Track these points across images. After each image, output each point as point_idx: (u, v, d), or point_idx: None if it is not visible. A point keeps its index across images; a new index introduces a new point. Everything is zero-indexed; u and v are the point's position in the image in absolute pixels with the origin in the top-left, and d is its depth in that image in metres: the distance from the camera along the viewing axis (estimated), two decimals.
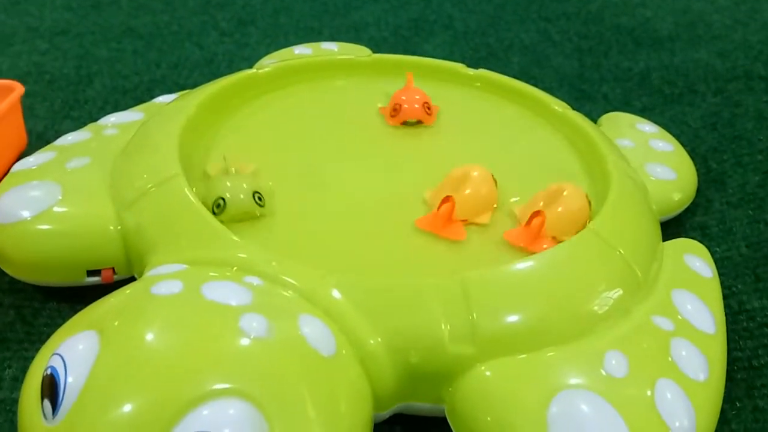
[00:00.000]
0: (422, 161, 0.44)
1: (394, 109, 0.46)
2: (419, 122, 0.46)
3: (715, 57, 0.67)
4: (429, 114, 0.46)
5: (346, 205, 0.40)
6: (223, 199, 0.37)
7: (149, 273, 0.33)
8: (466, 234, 0.37)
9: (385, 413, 0.32)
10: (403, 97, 0.46)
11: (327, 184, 0.41)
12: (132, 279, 0.37)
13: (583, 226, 0.37)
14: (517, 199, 0.40)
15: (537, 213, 0.37)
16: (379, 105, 0.48)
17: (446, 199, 0.37)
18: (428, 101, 0.47)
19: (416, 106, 0.46)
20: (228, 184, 0.37)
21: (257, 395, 0.26)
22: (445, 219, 0.37)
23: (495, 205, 0.40)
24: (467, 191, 0.38)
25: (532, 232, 0.37)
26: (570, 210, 0.38)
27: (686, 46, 0.70)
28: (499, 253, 0.37)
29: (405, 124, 0.46)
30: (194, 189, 0.37)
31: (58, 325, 0.31)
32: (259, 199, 0.37)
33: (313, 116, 0.47)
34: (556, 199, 0.38)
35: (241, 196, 0.37)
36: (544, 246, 0.36)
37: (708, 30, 0.72)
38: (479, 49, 0.70)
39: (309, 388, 0.27)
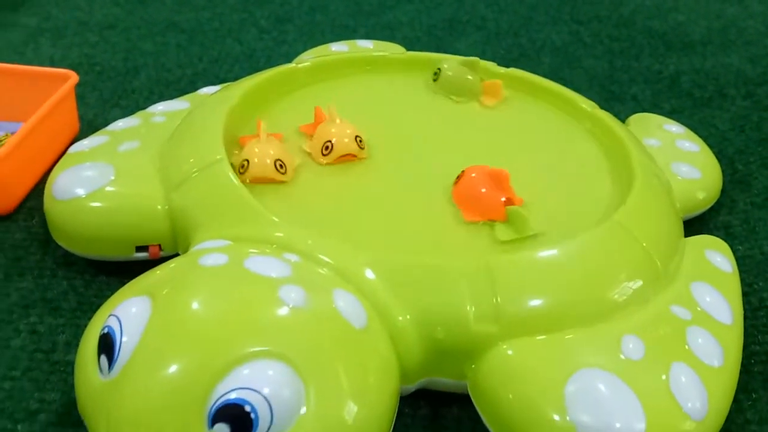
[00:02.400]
0: (451, 152, 0.45)
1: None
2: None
3: (746, 62, 0.67)
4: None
5: (382, 189, 0.41)
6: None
7: (196, 247, 0.35)
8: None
9: (411, 387, 0.34)
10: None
11: (363, 170, 0.43)
12: (177, 256, 0.40)
13: None
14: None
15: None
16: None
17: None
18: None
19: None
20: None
21: (295, 358, 0.28)
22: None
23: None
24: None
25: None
26: None
27: (718, 50, 0.70)
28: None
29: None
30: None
31: (107, 297, 0.33)
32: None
33: (349, 109, 0.49)
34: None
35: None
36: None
37: (740, 35, 0.73)
38: (511, 50, 0.71)
39: (342, 356, 0.29)
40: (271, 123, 0.46)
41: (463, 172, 0.41)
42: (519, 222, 0.37)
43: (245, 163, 0.40)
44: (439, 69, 0.51)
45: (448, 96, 0.51)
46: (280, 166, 0.40)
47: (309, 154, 0.43)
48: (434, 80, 0.51)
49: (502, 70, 0.53)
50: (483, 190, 0.39)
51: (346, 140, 0.43)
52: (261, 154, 0.40)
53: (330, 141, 0.42)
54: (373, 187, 0.42)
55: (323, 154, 0.43)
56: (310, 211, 0.39)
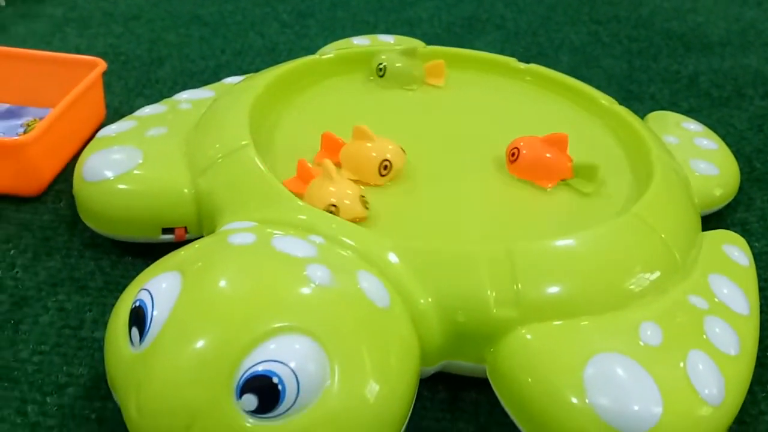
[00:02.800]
0: (474, 146, 0.46)
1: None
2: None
3: (764, 62, 0.68)
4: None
5: (403, 175, 0.42)
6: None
7: (225, 227, 0.36)
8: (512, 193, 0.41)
9: (431, 369, 0.35)
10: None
11: (408, 173, 0.43)
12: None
13: None
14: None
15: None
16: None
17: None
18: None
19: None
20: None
21: (321, 334, 0.28)
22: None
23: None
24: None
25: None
26: None
27: (736, 51, 0.70)
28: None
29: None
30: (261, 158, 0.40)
31: (133, 277, 0.34)
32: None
33: (371, 99, 0.50)
34: None
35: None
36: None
37: (759, 37, 0.73)
38: (530, 48, 0.72)
39: (366, 334, 0.30)
40: (293, 119, 0.47)
41: (516, 148, 0.42)
42: (588, 171, 0.41)
43: (333, 208, 0.37)
44: (382, 65, 0.50)
45: (401, 87, 0.51)
46: (366, 202, 0.38)
47: (357, 180, 0.40)
48: (380, 76, 0.51)
49: (523, 65, 0.54)
50: (548, 155, 0.42)
51: (391, 156, 0.41)
52: (343, 195, 0.37)
53: (387, 160, 0.40)
54: (426, 184, 0.42)
55: (382, 174, 0.41)
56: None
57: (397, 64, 0.50)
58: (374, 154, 0.41)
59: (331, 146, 0.42)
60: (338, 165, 0.41)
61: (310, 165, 0.39)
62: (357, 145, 0.42)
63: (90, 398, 0.35)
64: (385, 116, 0.48)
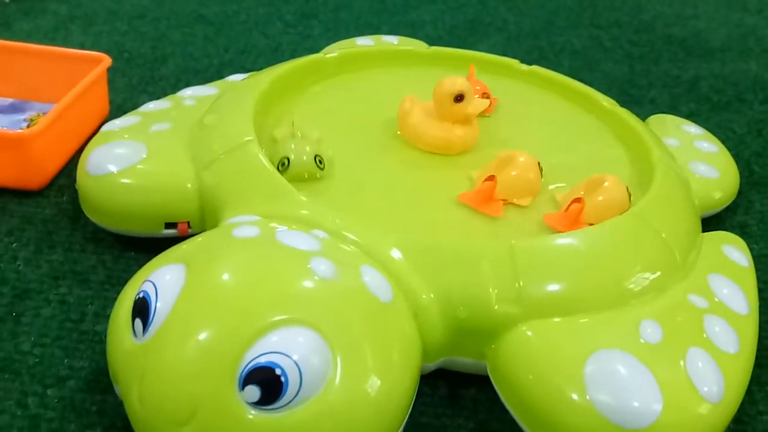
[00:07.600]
0: (475, 146, 0.46)
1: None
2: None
3: (764, 68, 0.68)
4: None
5: (399, 177, 0.43)
6: (288, 159, 0.40)
7: (228, 221, 0.36)
8: (505, 212, 0.40)
9: (432, 365, 0.35)
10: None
11: (383, 159, 0.44)
12: None
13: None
14: (563, 185, 0.43)
15: (577, 200, 0.39)
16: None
17: (489, 178, 0.40)
18: (488, 91, 0.48)
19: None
20: (293, 146, 0.40)
21: (324, 327, 0.29)
22: (485, 196, 0.39)
23: (538, 190, 0.42)
24: (512, 173, 0.40)
25: (570, 218, 0.39)
26: (609, 200, 0.39)
27: (736, 57, 0.71)
28: (535, 233, 0.39)
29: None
30: (266, 153, 0.40)
31: (135, 271, 0.34)
32: (320, 162, 0.40)
33: (374, 100, 0.50)
34: (596, 189, 0.39)
35: (304, 158, 0.40)
36: None
37: (759, 43, 0.74)
38: (531, 51, 0.72)
39: (368, 328, 0.30)
40: (296, 115, 0.47)
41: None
42: None
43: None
44: None
45: None
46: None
47: None
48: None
49: (525, 67, 0.54)
50: None
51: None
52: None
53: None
54: (393, 176, 0.42)
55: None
56: (335, 193, 0.40)
57: None
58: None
59: None
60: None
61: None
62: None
63: (90, 391, 0.35)
64: (389, 114, 0.48)
